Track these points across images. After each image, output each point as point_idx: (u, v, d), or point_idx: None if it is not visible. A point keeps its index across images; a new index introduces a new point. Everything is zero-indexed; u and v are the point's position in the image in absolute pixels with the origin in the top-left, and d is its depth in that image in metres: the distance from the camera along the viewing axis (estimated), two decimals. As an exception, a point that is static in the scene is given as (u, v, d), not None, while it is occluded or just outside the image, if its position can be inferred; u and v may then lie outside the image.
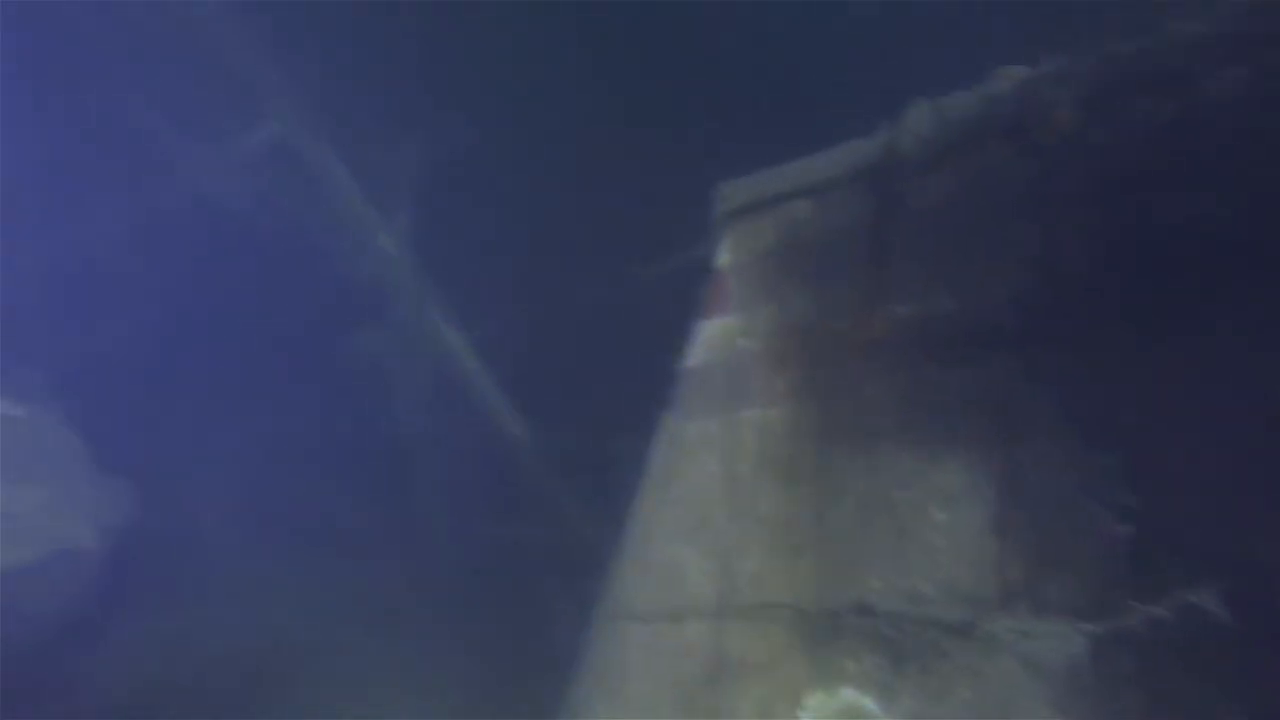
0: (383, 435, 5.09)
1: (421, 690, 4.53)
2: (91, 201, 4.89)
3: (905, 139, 2.19)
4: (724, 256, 2.55)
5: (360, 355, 5.04)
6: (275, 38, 4.96)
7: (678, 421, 2.55)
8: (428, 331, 4.92)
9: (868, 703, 1.90)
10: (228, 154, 4.98)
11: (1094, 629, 1.67)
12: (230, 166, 5.00)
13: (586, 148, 4.53)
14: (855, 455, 2.08)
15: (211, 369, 5.44)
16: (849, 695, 1.92)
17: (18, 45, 4.27)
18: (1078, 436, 1.79)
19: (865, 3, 3.94)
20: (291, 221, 5.07)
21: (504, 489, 5.14)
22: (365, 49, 5.16)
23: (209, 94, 5.05)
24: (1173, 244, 1.79)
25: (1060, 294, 1.88)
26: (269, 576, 4.85)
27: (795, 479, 2.18)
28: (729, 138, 3.76)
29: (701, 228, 3.65)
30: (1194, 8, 1.90)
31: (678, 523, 2.43)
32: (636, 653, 2.38)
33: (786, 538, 2.13)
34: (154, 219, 5.03)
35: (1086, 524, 1.73)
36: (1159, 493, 1.67)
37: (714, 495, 2.36)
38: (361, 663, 4.70)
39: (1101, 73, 1.94)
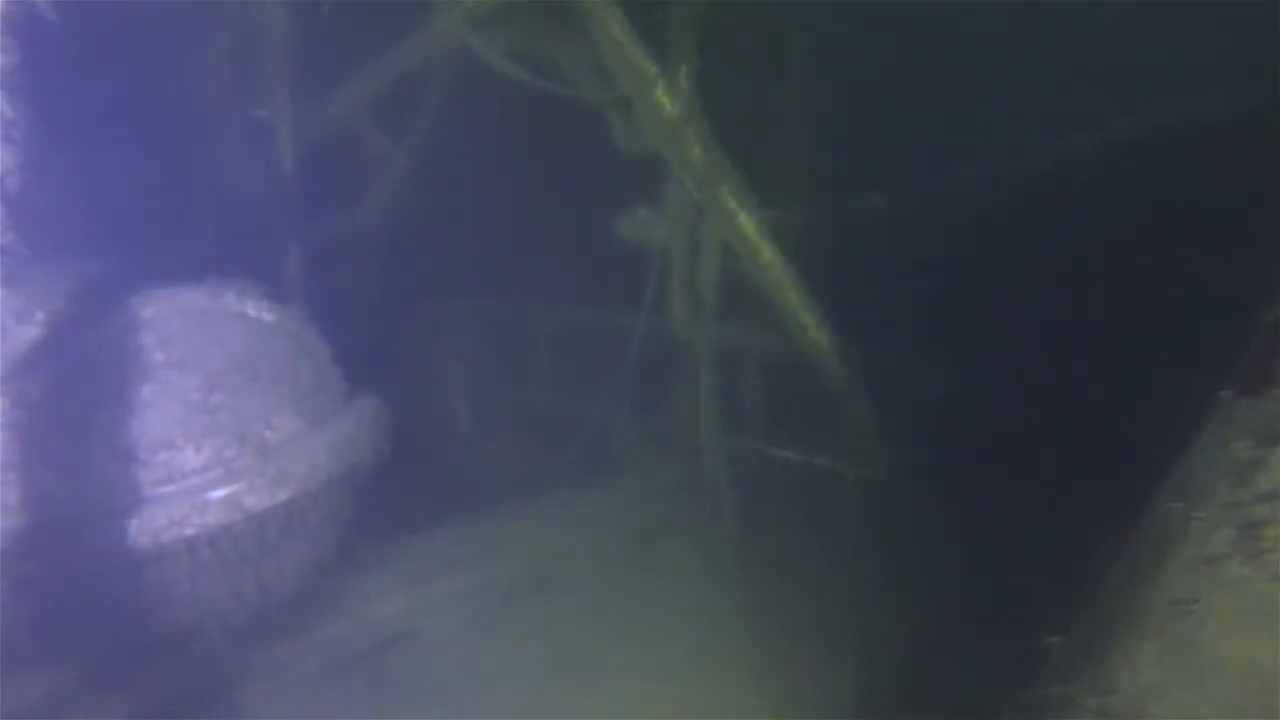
0: (657, 334, 4.16)
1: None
2: (336, 71, 4.06)
3: None
4: None
5: (633, 237, 4.07)
6: None
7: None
8: (715, 213, 3.85)
9: None
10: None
11: None
12: (484, 15, 4.00)
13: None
14: None
15: (449, 254, 4.67)
16: None
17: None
18: None
19: None
20: (553, 78, 4.06)
21: (798, 408, 4.14)
22: None
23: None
24: None
25: None
26: (536, 487, 4.15)
27: None
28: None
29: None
30: None
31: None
32: None
33: None
34: (394, 85, 4.16)
35: None
36: None
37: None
38: (619, 588, 3.97)
39: None
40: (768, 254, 3.73)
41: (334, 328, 3.64)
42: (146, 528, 2.22)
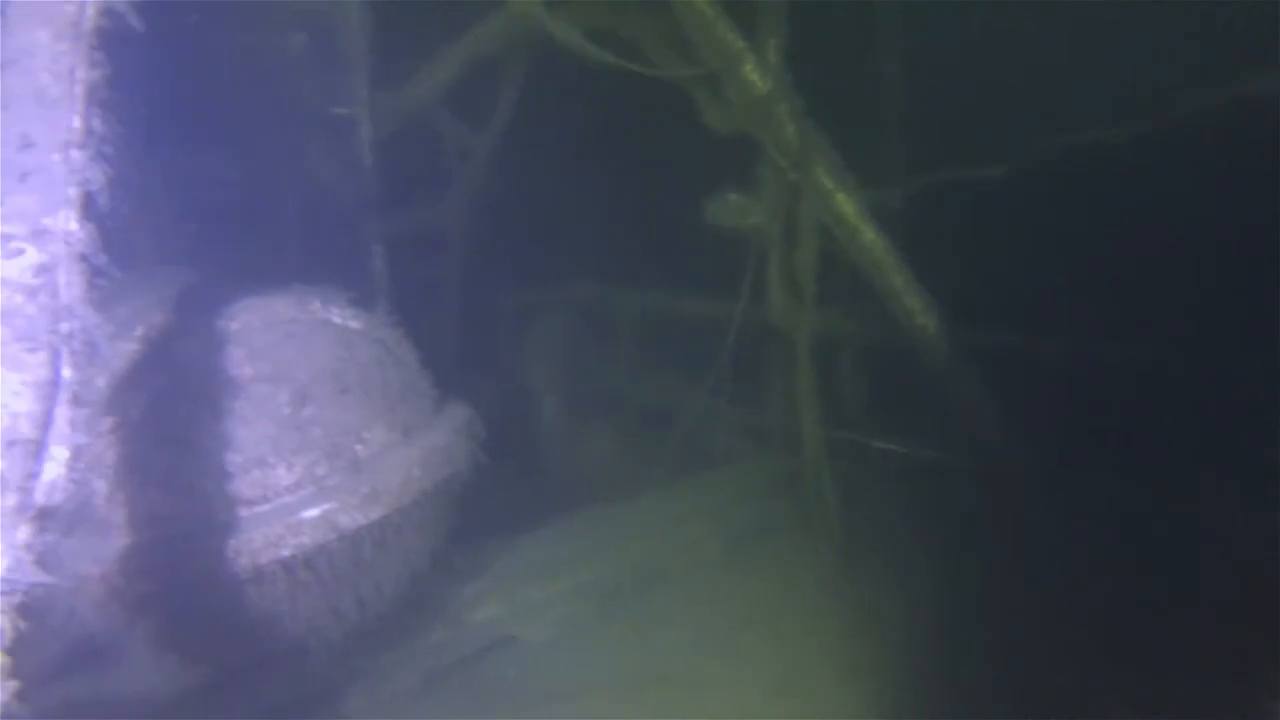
0: (752, 322, 3.93)
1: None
2: (413, 63, 3.92)
3: None
4: None
5: (725, 223, 3.84)
6: None
7: None
8: (811, 194, 3.60)
9: None
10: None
11: None
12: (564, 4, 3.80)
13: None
14: None
15: (534, 243, 4.51)
16: None
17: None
18: None
19: None
20: (635, 58, 3.84)
21: (903, 397, 3.87)
22: None
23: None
24: None
25: None
26: (631, 484, 3.99)
27: None
28: None
29: None
30: None
31: None
32: None
33: None
34: (472, 74, 3.99)
35: None
36: None
37: None
38: (719, 589, 3.78)
39: None
40: (869, 235, 3.48)
41: (421, 326, 3.53)
42: (244, 549, 2.13)
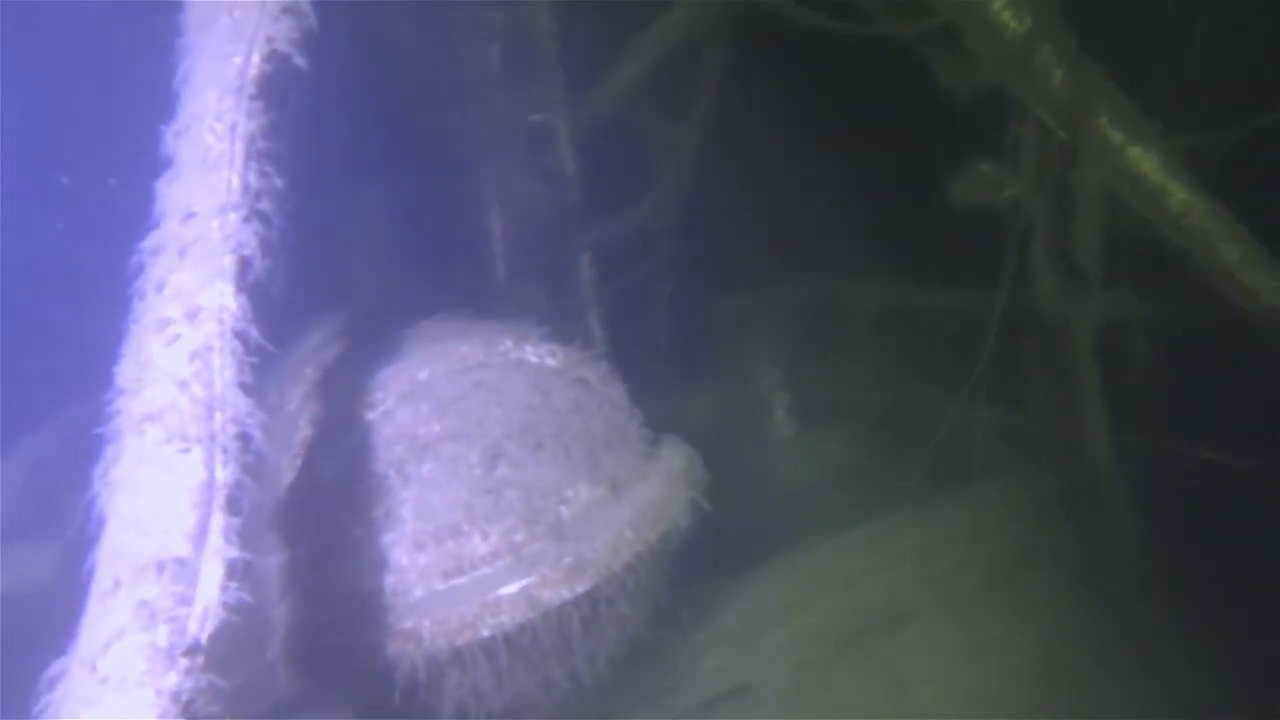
0: (1012, 305, 3.25)
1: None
2: (608, 57, 3.58)
3: None
4: None
5: (976, 200, 3.20)
6: None
7: None
8: (1093, 152, 2.88)
9: None
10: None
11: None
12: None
13: None
14: None
15: (752, 237, 4.05)
16: None
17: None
18: None
19: None
20: (853, 18, 3.27)
21: (1223, 397, 3.07)
22: None
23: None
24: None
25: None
26: (874, 506, 3.46)
27: None
28: None
29: None
30: None
31: None
32: None
33: None
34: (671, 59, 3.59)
35: None
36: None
37: None
38: (981, 631, 3.19)
39: None
40: (1181, 196, 2.71)
41: (632, 336, 3.21)
42: (440, 630, 1.90)
